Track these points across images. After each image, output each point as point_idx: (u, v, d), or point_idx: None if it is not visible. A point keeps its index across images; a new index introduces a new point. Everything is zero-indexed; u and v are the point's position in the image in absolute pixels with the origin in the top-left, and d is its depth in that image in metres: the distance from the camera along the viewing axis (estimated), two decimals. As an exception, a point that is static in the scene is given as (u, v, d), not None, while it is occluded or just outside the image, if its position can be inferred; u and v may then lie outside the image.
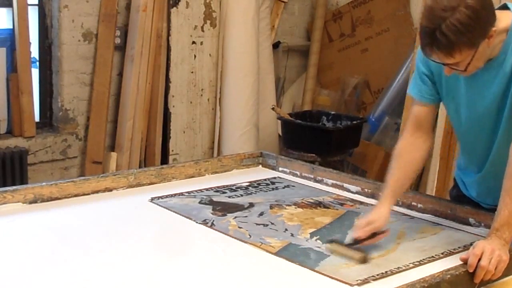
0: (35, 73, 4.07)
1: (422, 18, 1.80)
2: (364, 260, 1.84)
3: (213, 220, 2.16)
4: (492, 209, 2.09)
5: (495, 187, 1.95)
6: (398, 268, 1.80)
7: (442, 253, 1.93)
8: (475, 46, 1.80)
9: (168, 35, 4.40)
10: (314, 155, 4.27)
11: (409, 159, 2.08)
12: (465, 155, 2.22)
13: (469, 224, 2.17)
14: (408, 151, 2.09)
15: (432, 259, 1.89)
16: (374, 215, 1.97)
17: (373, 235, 1.94)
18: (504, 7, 1.96)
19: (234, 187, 2.55)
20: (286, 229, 2.10)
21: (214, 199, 2.40)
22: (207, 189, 2.50)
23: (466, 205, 2.22)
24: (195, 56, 4.57)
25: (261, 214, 2.25)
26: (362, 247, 1.90)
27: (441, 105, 2.17)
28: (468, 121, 2.06)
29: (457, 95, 2.04)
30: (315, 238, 2.03)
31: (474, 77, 1.95)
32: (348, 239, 1.99)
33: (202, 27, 4.57)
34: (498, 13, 1.86)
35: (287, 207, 2.33)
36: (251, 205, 2.34)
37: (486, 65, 1.92)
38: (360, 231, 1.93)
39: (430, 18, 1.78)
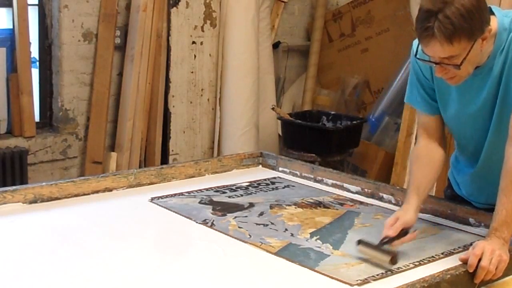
0: (35, 73, 4.07)
1: (424, 1, 1.77)
2: (394, 262, 1.80)
3: (213, 220, 2.16)
4: (485, 208, 2.10)
5: (486, 185, 1.95)
6: (398, 268, 1.80)
7: (442, 253, 1.93)
8: (473, 38, 1.78)
9: (168, 35, 4.41)
10: (314, 155, 4.27)
11: (426, 161, 2.06)
12: (459, 152, 2.24)
13: (469, 224, 2.17)
14: (424, 154, 2.08)
15: (432, 259, 1.88)
16: (401, 212, 1.93)
17: (404, 234, 1.88)
18: (489, 11, 1.94)
19: (234, 187, 2.55)
20: (286, 229, 2.10)
21: (214, 199, 2.40)
22: (207, 189, 2.50)
23: (465, 205, 2.22)
24: (195, 56, 4.57)
25: (261, 214, 2.25)
26: (391, 249, 1.84)
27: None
28: (460, 123, 2.08)
29: (449, 102, 2.05)
30: (315, 238, 2.02)
31: (464, 85, 1.94)
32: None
33: (202, 27, 4.57)
34: None
35: (287, 207, 2.33)
36: (251, 205, 2.34)
37: (476, 72, 1.92)
38: (389, 229, 1.88)
39: (433, 1, 1.75)
